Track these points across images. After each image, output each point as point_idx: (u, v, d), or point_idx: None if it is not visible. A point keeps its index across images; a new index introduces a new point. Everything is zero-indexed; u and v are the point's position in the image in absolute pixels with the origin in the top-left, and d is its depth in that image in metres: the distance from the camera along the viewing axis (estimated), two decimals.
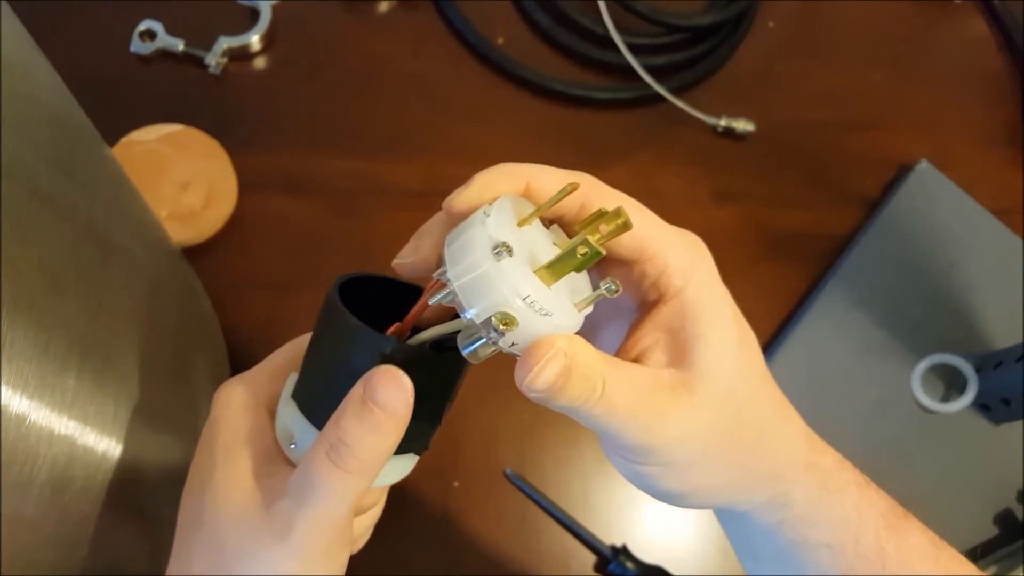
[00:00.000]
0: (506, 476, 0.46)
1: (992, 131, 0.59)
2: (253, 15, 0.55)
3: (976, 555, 0.46)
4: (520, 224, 0.23)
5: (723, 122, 0.55)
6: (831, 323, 0.50)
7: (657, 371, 0.24)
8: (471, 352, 0.23)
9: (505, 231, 0.22)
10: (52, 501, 0.25)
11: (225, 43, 0.54)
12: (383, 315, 0.26)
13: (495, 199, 0.24)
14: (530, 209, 0.24)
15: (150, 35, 0.54)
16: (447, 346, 0.25)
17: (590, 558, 0.45)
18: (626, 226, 0.23)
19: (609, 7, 0.55)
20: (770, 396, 0.28)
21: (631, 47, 0.55)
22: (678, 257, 0.25)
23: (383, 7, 0.58)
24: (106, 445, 0.28)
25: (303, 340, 0.29)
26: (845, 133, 0.58)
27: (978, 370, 0.48)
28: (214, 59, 0.53)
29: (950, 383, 0.49)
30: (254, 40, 0.54)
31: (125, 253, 0.32)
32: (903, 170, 0.56)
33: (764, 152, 0.57)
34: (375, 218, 0.52)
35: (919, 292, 0.52)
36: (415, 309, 0.25)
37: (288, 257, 0.50)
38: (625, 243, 0.25)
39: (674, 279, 0.25)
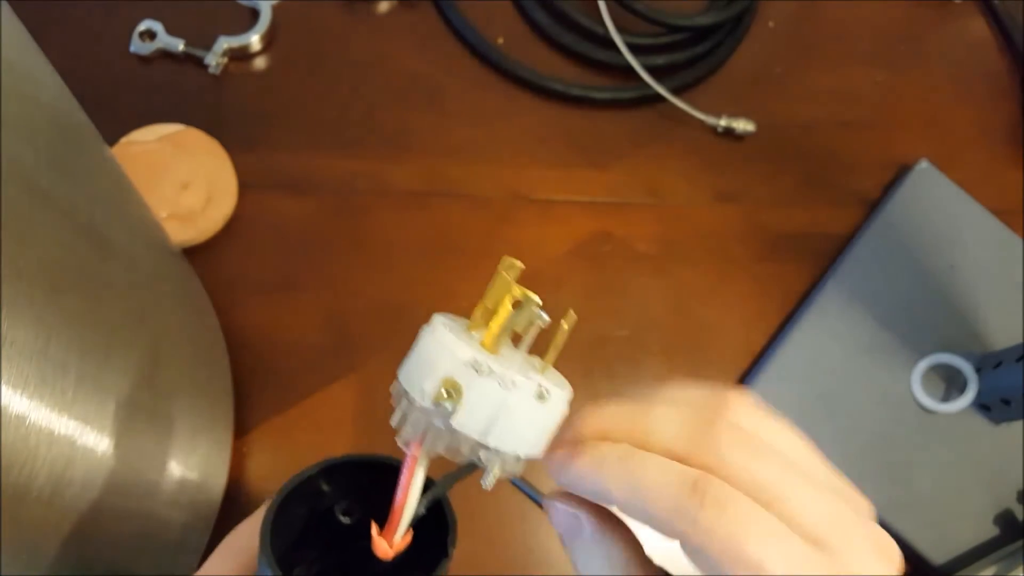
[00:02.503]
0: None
1: (992, 131, 0.59)
2: (253, 15, 0.55)
3: (976, 555, 0.46)
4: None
5: (723, 122, 0.55)
6: (831, 323, 0.50)
7: None
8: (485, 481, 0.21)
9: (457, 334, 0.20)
10: (52, 501, 0.25)
11: (225, 43, 0.54)
12: (376, 500, 0.23)
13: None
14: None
15: (150, 35, 0.54)
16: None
17: None
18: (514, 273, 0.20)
19: (609, 7, 0.55)
20: None
21: (631, 47, 0.55)
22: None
23: (383, 7, 0.58)
24: (106, 445, 0.28)
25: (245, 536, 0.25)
26: (845, 133, 0.58)
27: (978, 370, 0.48)
28: (214, 59, 0.53)
29: (950, 383, 0.49)
30: (254, 40, 0.54)
31: (125, 253, 0.31)
32: (903, 170, 0.56)
33: (764, 152, 0.57)
34: (375, 218, 0.52)
35: (919, 292, 0.52)
36: (398, 502, 0.22)
37: (288, 257, 0.50)
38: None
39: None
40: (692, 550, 0.20)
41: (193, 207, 0.49)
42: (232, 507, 0.43)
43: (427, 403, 0.20)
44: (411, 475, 0.21)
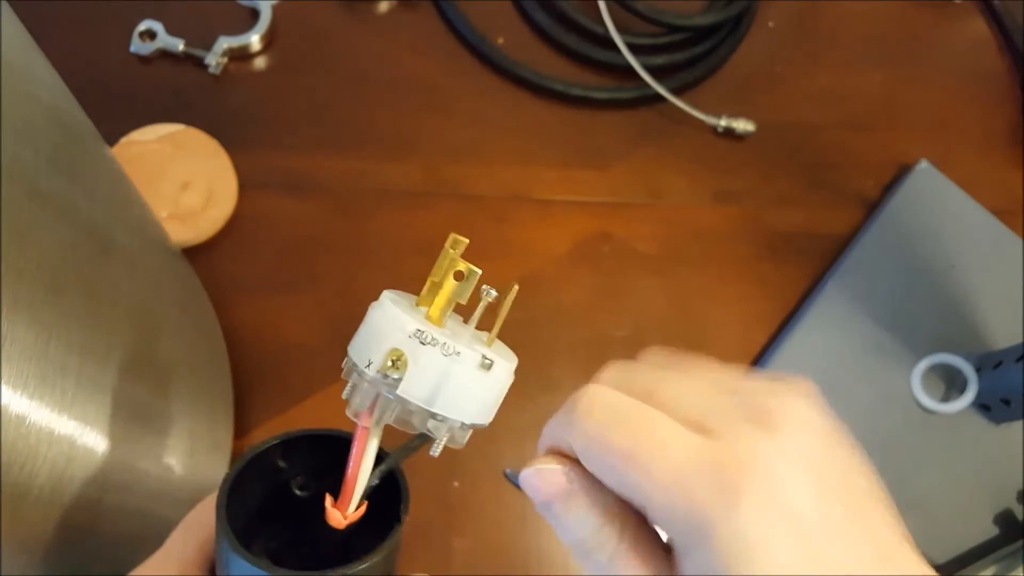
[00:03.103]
0: (506, 476, 0.46)
1: (992, 131, 0.59)
2: (253, 15, 0.55)
3: (976, 555, 0.46)
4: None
5: (723, 122, 0.55)
6: (831, 323, 0.50)
7: None
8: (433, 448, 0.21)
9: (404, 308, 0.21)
10: (52, 500, 0.25)
11: (225, 43, 0.54)
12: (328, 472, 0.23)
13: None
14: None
15: (150, 35, 0.54)
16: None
17: None
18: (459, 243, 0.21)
19: (609, 7, 0.55)
20: None
21: (631, 47, 0.55)
22: (679, 510, 0.19)
23: (383, 7, 0.58)
24: (106, 445, 0.28)
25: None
26: (845, 133, 0.58)
27: (978, 370, 0.48)
28: (214, 59, 0.53)
29: (950, 383, 0.49)
30: (254, 40, 0.54)
31: (125, 253, 0.32)
32: (903, 170, 0.56)
33: (764, 152, 0.57)
34: (375, 218, 0.52)
35: (919, 292, 0.52)
36: (350, 473, 0.22)
37: (288, 257, 0.50)
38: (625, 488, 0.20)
39: (677, 540, 0.20)
40: (587, 464, 0.21)
41: (193, 207, 0.49)
42: None
43: (374, 373, 0.21)
44: (362, 446, 0.22)
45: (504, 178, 0.54)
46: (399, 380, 0.20)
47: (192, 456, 0.37)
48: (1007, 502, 0.47)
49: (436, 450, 0.22)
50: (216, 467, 0.42)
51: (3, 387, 0.21)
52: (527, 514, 0.46)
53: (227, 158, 0.51)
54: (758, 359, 0.50)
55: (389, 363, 0.20)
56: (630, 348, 0.50)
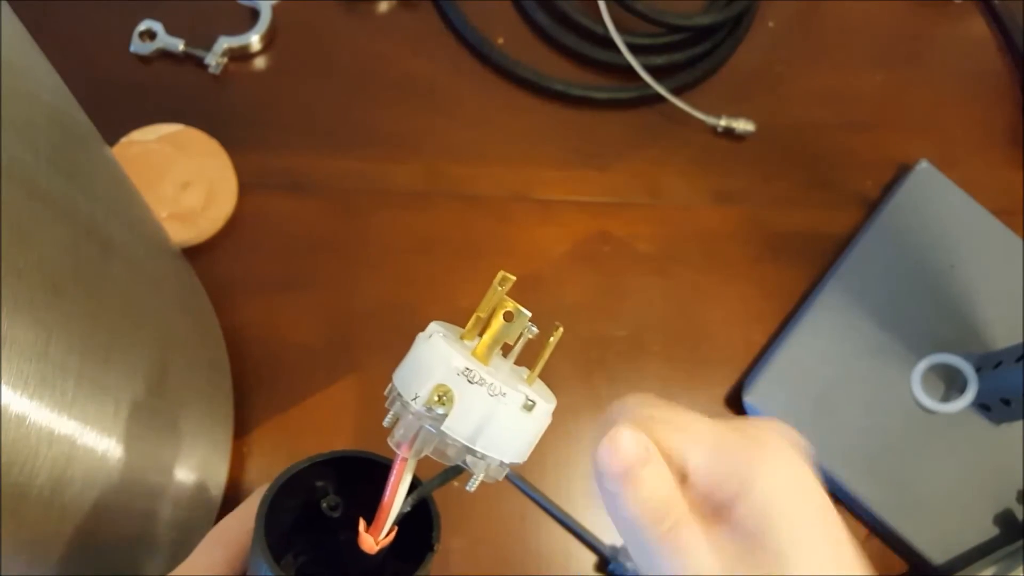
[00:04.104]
0: (506, 476, 0.46)
1: (992, 131, 0.59)
2: (253, 15, 0.55)
3: (976, 555, 0.46)
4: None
5: (723, 122, 0.55)
6: (831, 323, 0.50)
7: None
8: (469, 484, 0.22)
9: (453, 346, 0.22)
10: (52, 500, 0.25)
11: (225, 43, 0.54)
12: (365, 497, 0.24)
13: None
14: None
15: (150, 35, 0.54)
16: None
17: (590, 558, 0.45)
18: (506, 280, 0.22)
19: (609, 7, 0.55)
20: None
21: (631, 47, 0.55)
22: (720, 465, 0.23)
23: (383, 7, 0.58)
24: (106, 445, 0.28)
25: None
26: (845, 133, 0.58)
27: (978, 370, 0.48)
28: (214, 59, 0.53)
29: (950, 383, 0.49)
30: (254, 40, 0.54)
31: (125, 253, 0.31)
32: (903, 170, 0.56)
33: (764, 152, 0.57)
34: (375, 218, 0.52)
35: (919, 292, 0.52)
36: (385, 501, 0.23)
37: (288, 257, 0.50)
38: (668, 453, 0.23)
39: (717, 495, 0.22)
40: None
41: (193, 207, 0.49)
42: (232, 507, 0.43)
43: (420, 407, 0.21)
44: (399, 476, 0.22)
45: (504, 178, 0.54)
46: (444, 416, 0.21)
47: (192, 456, 0.37)
48: (1007, 502, 0.47)
49: (472, 485, 0.22)
50: (216, 467, 0.42)
51: (3, 387, 0.21)
52: (526, 514, 0.46)
53: (227, 158, 0.51)
54: (758, 359, 0.50)
55: (436, 398, 0.21)
56: (630, 348, 0.50)
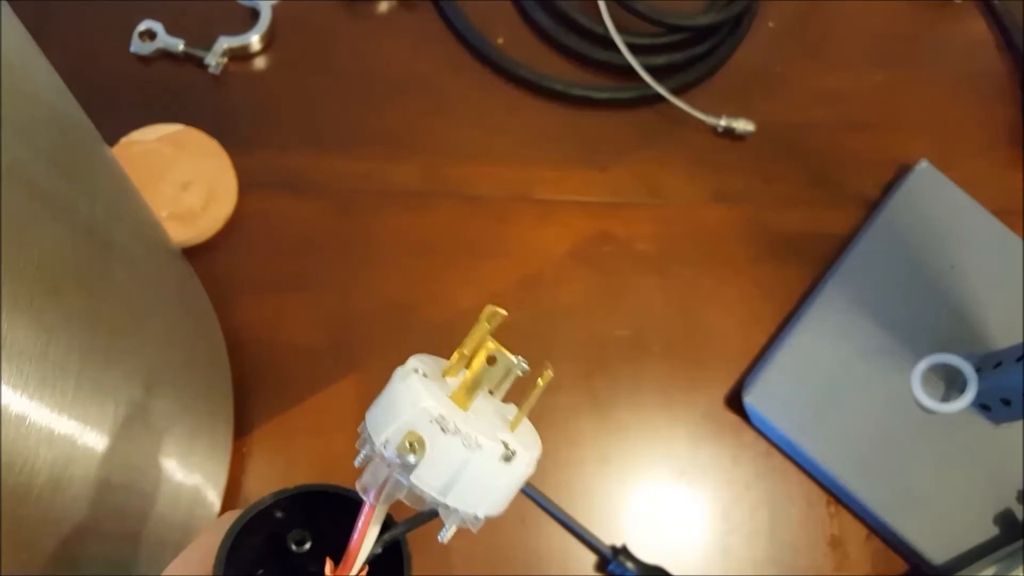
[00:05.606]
0: None
1: (992, 131, 0.59)
2: (253, 15, 0.55)
3: (976, 555, 0.46)
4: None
5: (723, 122, 0.55)
6: (831, 323, 0.50)
7: None
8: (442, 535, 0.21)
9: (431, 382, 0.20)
10: (52, 501, 0.25)
11: (225, 43, 0.54)
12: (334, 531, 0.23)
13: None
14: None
15: (150, 35, 0.54)
16: None
17: (590, 558, 0.45)
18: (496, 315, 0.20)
19: (609, 7, 0.55)
20: None
21: (631, 47, 0.55)
22: None
23: (383, 7, 0.58)
24: (106, 445, 0.28)
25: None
26: (845, 133, 0.58)
27: (978, 370, 0.48)
28: (214, 59, 0.53)
29: (950, 383, 0.49)
30: (254, 40, 0.54)
31: (125, 253, 0.31)
32: (903, 170, 0.56)
33: (764, 152, 0.57)
34: (375, 218, 0.52)
35: (919, 292, 0.52)
36: (352, 546, 0.21)
37: (288, 257, 0.50)
38: None
39: None
40: None
41: (193, 207, 0.49)
42: (232, 507, 0.43)
43: (390, 453, 0.20)
44: (367, 523, 0.21)
45: (504, 178, 0.54)
46: (413, 466, 0.19)
47: (192, 456, 0.37)
48: (1007, 502, 0.47)
49: (445, 536, 0.21)
50: (216, 467, 0.42)
51: (3, 387, 0.21)
52: (527, 514, 0.46)
53: (227, 158, 0.51)
54: (758, 359, 0.50)
55: (407, 444, 0.19)
56: (630, 348, 0.50)
